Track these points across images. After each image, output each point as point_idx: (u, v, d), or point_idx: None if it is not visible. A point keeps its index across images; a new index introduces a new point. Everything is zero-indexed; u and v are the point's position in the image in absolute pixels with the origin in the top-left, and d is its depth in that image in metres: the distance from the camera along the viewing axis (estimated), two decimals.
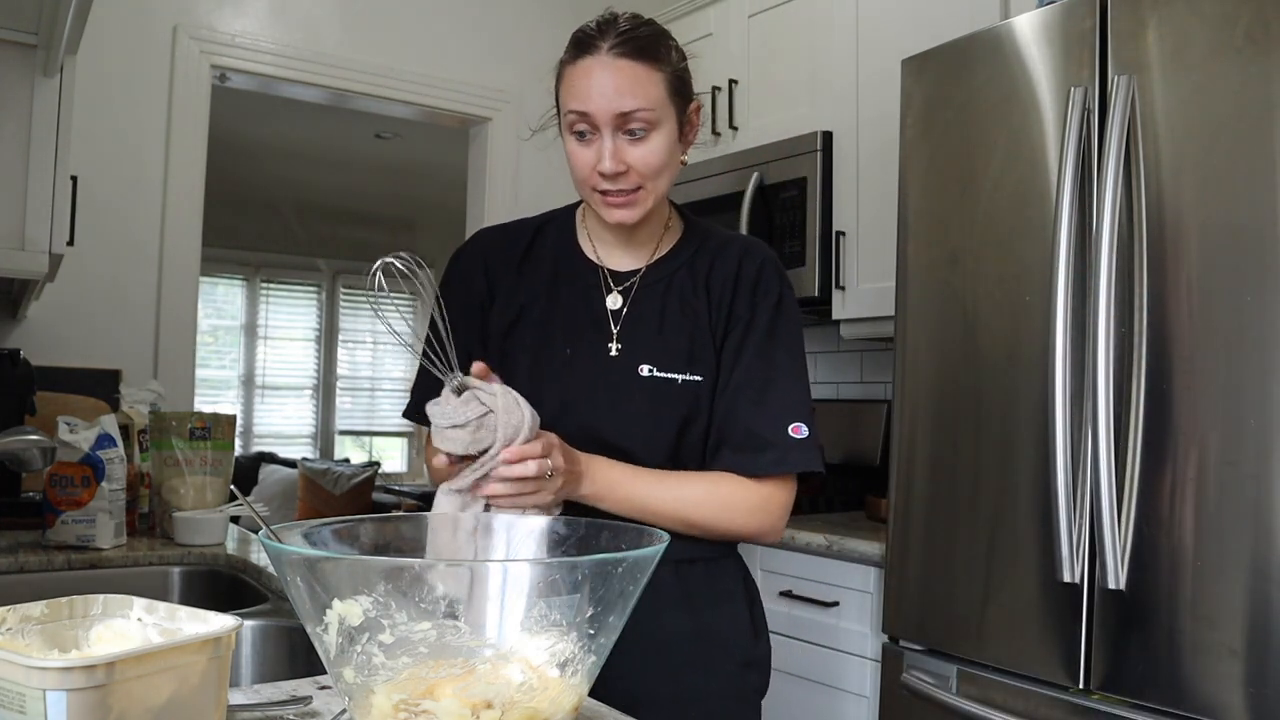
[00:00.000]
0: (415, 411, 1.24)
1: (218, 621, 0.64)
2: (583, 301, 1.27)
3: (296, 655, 1.33)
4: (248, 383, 6.79)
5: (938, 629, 1.81)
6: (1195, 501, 1.42)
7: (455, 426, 1.01)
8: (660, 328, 1.24)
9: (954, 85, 1.85)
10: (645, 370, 1.22)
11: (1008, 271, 1.72)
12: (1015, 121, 1.72)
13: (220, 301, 6.69)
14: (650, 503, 1.16)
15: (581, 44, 1.18)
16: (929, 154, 1.90)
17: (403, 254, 0.99)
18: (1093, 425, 1.51)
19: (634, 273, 1.27)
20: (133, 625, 0.69)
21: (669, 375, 1.22)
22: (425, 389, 1.26)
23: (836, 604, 2.11)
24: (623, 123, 1.14)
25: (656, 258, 1.28)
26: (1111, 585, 1.48)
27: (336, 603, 0.65)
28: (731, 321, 1.24)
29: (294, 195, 6.53)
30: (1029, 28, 1.71)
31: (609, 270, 1.28)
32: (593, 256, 1.29)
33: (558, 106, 1.22)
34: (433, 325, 1.06)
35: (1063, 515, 1.55)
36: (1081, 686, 1.55)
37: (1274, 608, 1.34)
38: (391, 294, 0.97)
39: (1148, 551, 1.47)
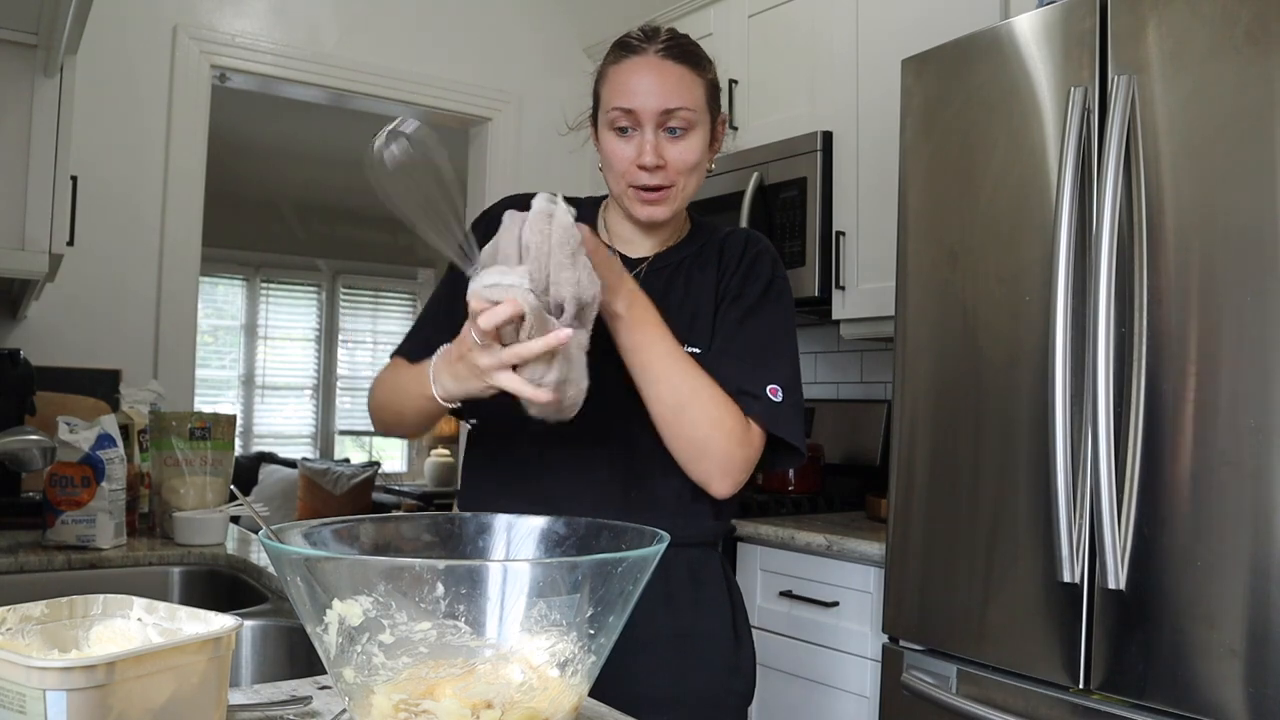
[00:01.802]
0: (417, 351, 1.20)
1: (218, 621, 0.64)
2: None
3: (296, 655, 1.33)
4: (248, 383, 6.78)
5: (938, 629, 1.81)
6: (1195, 501, 1.42)
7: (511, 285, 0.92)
8: (664, 304, 1.24)
9: (954, 85, 1.85)
10: None
11: (1008, 271, 1.72)
12: (1015, 121, 1.72)
13: (220, 301, 6.69)
14: (664, 366, 1.15)
15: (628, 46, 1.24)
16: (929, 154, 1.89)
17: (411, 120, 0.95)
18: (1093, 425, 1.51)
19: (642, 260, 1.31)
20: (133, 625, 0.69)
21: None
22: (429, 327, 1.27)
23: (836, 604, 2.11)
24: (665, 120, 1.20)
25: (667, 246, 1.33)
26: (1111, 585, 1.48)
27: (336, 603, 0.65)
28: (726, 297, 1.28)
29: (294, 195, 6.53)
30: (1029, 28, 1.71)
31: (620, 254, 1.30)
32: (605, 239, 1.33)
33: (595, 106, 1.28)
34: (441, 214, 0.99)
35: (1063, 515, 1.55)
36: (1081, 686, 1.55)
37: (1274, 608, 1.34)
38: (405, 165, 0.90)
39: (1148, 551, 1.47)
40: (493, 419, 1.26)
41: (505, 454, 1.28)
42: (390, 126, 0.97)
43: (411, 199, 0.96)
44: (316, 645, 0.69)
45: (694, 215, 1.39)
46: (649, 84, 1.20)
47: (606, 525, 0.80)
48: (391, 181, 0.95)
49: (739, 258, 1.30)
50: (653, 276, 1.29)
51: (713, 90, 1.27)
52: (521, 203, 1.31)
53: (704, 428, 1.17)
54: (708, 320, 1.27)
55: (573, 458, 1.23)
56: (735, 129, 2.87)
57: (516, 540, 0.84)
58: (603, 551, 0.77)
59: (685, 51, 1.23)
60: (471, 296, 0.95)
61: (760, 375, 1.22)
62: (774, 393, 1.21)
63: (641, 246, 1.32)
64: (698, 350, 1.24)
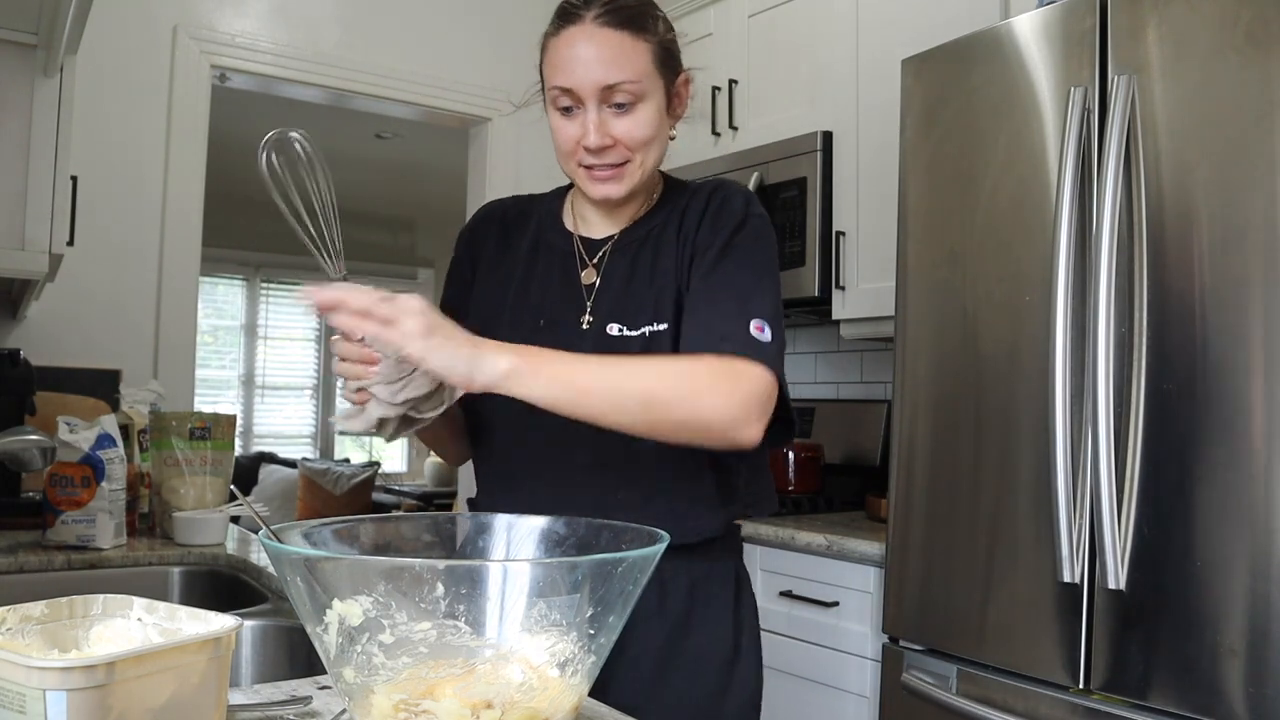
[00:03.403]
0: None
1: (218, 621, 0.64)
2: (559, 271, 1.24)
3: (296, 655, 1.33)
4: (248, 383, 6.79)
5: (938, 629, 1.81)
6: (1195, 502, 1.42)
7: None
8: (629, 285, 1.19)
9: (954, 85, 1.85)
10: (615, 330, 1.17)
11: (1008, 271, 1.72)
12: (1015, 121, 1.72)
13: (220, 301, 6.69)
14: (595, 379, 1.00)
15: (565, 14, 1.14)
16: (929, 154, 1.89)
17: (297, 132, 1.01)
18: (1093, 425, 1.51)
19: (607, 239, 1.23)
20: (133, 625, 0.69)
21: (635, 331, 1.16)
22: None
23: (836, 604, 2.11)
24: (608, 95, 1.11)
25: (633, 221, 1.24)
26: (1111, 585, 1.48)
27: (336, 603, 0.65)
28: (696, 254, 1.18)
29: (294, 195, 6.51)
30: (1029, 28, 1.71)
31: (583, 238, 1.25)
32: (570, 226, 1.27)
33: (542, 82, 1.19)
34: (315, 214, 1.05)
35: (1063, 515, 1.55)
36: (1081, 686, 1.55)
37: (1274, 608, 1.34)
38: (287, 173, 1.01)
39: (1148, 551, 1.47)
40: (490, 421, 1.23)
41: (505, 454, 1.23)
42: (274, 135, 1.04)
43: (293, 202, 1.05)
44: (316, 645, 0.69)
45: (672, 180, 1.29)
46: (586, 58, 1.10)
47: (606, 525, 0.80)
48: (277, 184, 1.04)
49: (703, 210, 1.19)
50: (616, 257, 1.21)
51: (663, 53, 1.15)
52: (499, 209, 1.32)
53: (687, 399, 1.03)
54: (672, 290, 1.17)
55: (566, 458, 1.16)
56: (735, 129, 2.87)
57: (516, 540, 0.84)
58: (603, 551, 0.77)
59: (626, 17, 1.12)
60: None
61: (741, 313, 1.10)
62: (759, 329, 1.09)
63: (607, 225, 1.24)
64: (663, 327, 1.15)
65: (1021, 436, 1.67)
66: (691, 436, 1.05)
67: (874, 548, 2.01)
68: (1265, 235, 1.38)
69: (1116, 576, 1.48)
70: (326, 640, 0.67)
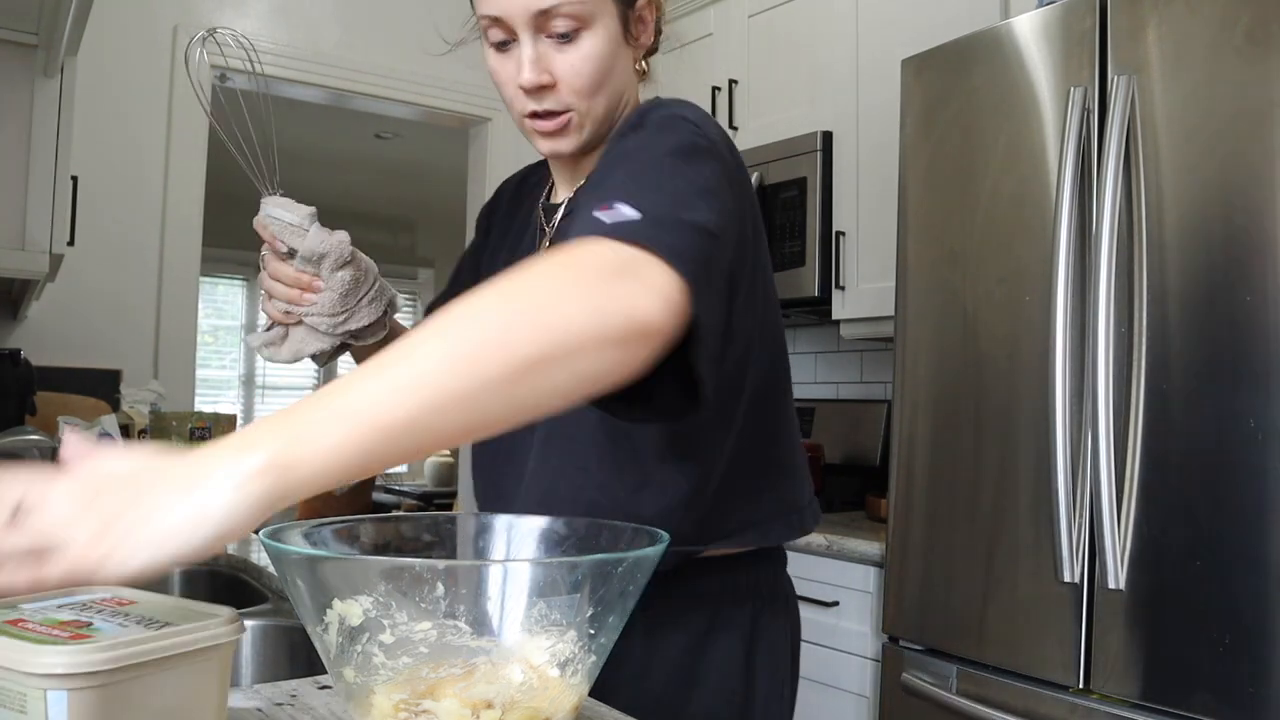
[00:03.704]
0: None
1: (219, 617, 0.64)
2: (525, 247, 1.10)
3: (296, 655, 1.33)
4: (248, 383, 6.79)
5: (937, 629, 1.81)
6: (1195, 501, 1.42)
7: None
8: None
9: (954, 85, 1.85)
10: None
11: (1008, 271, 1.72)
12: (1015, 121, 1.72)
13: (220, 301, 6.69)
14: (419, 372, 0.57)
15: None
16: (929, 154, 1.89)
17: (225, 30, 1.00)
18: (1093, 425, 1.51)
19: (563, 204, 1.06)
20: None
21: None
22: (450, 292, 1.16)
23: (836, 604, 2.11)
24: (543, 23, 0.90)
25: (587, 180, 0.99)
26: (1111, 585, 1.48)
27: (337, 602, 0.65)
28: None
29: (294, 195, 6.51)
30: (1029, 28, 1.71)
31: (545, 204, 1.09)
32: (543, 194, 1.12)
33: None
34: (250, 143, 0.98)
35: (1063, 515, 1.55)
36: (1081, 686, 1.55)
37: (1274, 607, 1.34)
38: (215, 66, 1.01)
39: (1148, 551, 1.47)
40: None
41: (498, 452, 1.07)
42: (202, 33, 1.03)
43: (233, 130, 1.02)
44: (317, 645, 0.69)
45: None
46: None
47: (606, 525, 0.80)
48: (219, 116, 1.00)
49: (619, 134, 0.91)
50: (566, 225, 1.00)
51: None
52: (514, 180, 1.19)
53: (571, 320, 0.61)
54: None
55: (566, 459, 0.97)
56: (735, 129, 2.87)
57: (517, 540, 0.84)
58: (603, 551, 0.77)
59: None
60: (256, 221, 1.02)
61: (600, 198, 0.73)
62: (605, 209, 0.71)
63: (567, 185, 1.05)
64: None
65: (1021, 436, 1.67)
66: (584, 368, 0.62)
67: (874, 548, 2.01)
68: (1265, 235, 1.38)
69: (1116, 576, 1.48)
70: (326, 640, 0.67)
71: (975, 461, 1.76)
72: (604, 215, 0.70)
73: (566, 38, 0.90)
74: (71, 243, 1.98)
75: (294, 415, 0.55)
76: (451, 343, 0.58)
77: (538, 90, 0.91)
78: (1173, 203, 1.49)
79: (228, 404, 6.64)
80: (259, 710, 0.79)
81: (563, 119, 0.93)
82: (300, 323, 0.97)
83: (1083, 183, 1.59)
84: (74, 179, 1.96)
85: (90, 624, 0.59)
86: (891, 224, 2.00)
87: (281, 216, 1.01)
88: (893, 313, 1.98)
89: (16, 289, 2.38)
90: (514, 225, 1.14)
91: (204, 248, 3.01)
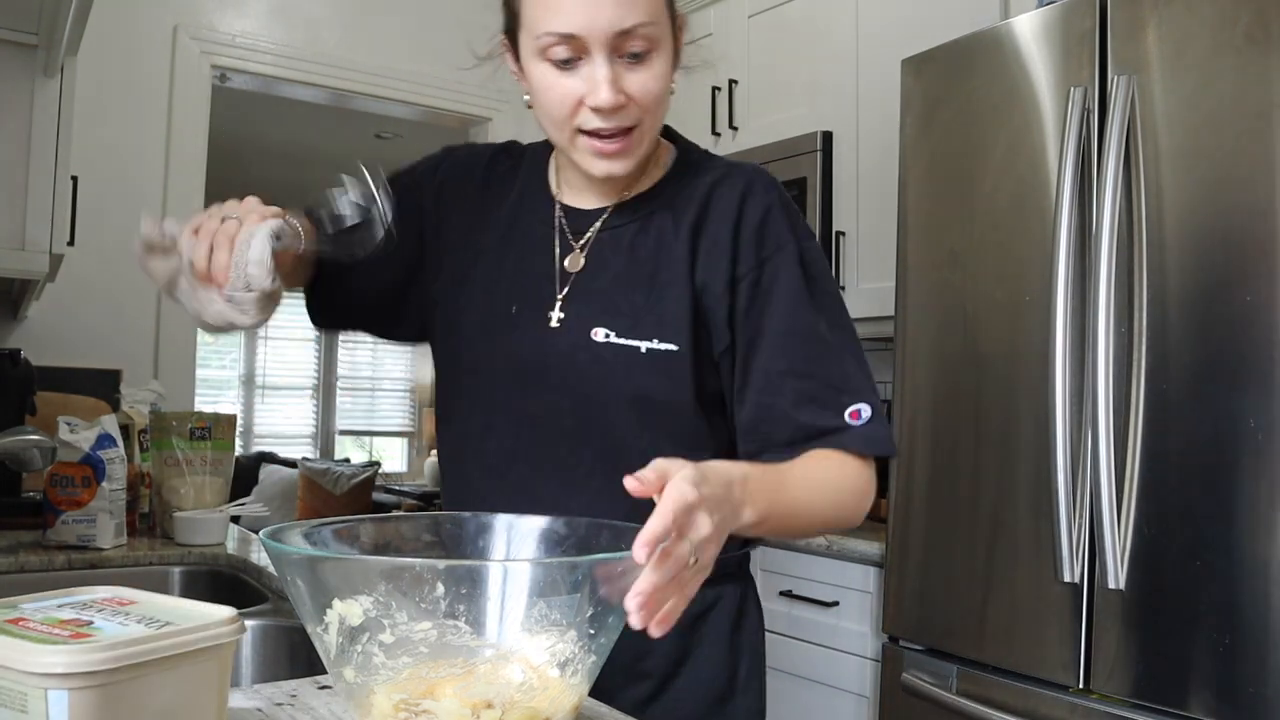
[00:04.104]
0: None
1: (218, 616, 0.64)
2: (536, 248, 1.04)
3: (296, 655, 1.33)
4: (248, 383, 6.79)
5: (937, 629, 1.81)
6: (1195, 501, 1.42)
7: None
8: (622, 281, 0.99)
9: (954, 85, 1.85)
10: (601, 336, 0.98)
11: (1008, 271, 1.72)
12: (1015, 121, 1.72)
13: None
14: (799, 508, 0.90)
15: None
16: (929, 154, 1.90)
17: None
18: (1093, 425, 1.51)
19: (597, 213, 1.03)
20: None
21: (629, 342, 0.96)
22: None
23: (836, 604, 2.11)
24: (621, 43, 0.90)
25: (632, 194, 1.03)
26: (1111, 585, 1.48)
27: (337, 602, 0.65)
28: (736, 286, 0.98)
29: (294, 195, 6.51)
30: (1029, 28, 1.71)
31: (567, 207, 1.04)
32: (554, 188, 1.07)
33: (513, 30, 0.97)
34: None
35: (1063, 515, 1.55)
36: (1081, 686, 1.55)
37: (1274, 608, 1.34)
38: None
39: (1148, 551, 1.47)
40: (466, 411, 1.07)
41: (479, 452, 1.05)
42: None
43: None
44: (317, 645, 0.69)
45: (681, 140, 1.09)
46: None
47: (606, 525, 0.80)
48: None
49: (734, 223, 0.99)
50: (606, 239, 1.01)
51: None
52: (488, 153, 1.12)
53: (839, 520, 0.98)
54: (686, 306, 0.97)
55: (552, 458, 1.00)
56: (735, 129, 2.87)
57: (516, 540, 0.84)
58: (603, 551, 0.77)
59: None
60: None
61: (836, 402, 0.96)
62: (855, 416, 0.95)
63: (597, 194, 1.03)
64: (672, 348, 0.96)
65: (1021, 436, 1.67)
66: (817, 531, 1.02)
67: (874, 548, 2.01)
68: (1265, 235, 1.38)
69: (1116, 576, 1.48)
70: (327, 640, 0.67)
71: (975, 461, 1.76)
72: (855, 423, 0.95)
73: (638, 58, 0.91)
74: (71, 243, 1.98)
75: (763, 499, 0.81)
76: (801, 495, 0.91)
77: (615, 110, 0.91)
78: (1173, 203, 1.49)
79: (228, 404, 6.64)
80: (259, 710, 0.79)
81: (629, 138, 0.93)
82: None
83: (1083, 183, 1.59)
84: (74, 179, 1.96)
85: (91, 623, 0.59)
86: (891, 224, 2.00)
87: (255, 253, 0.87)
88: (893, 313, 1.98)
89: (16, 289, 2.38)
90: (497, 215, 1.08)
91: None
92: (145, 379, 2.52)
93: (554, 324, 0.99)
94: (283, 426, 6.95)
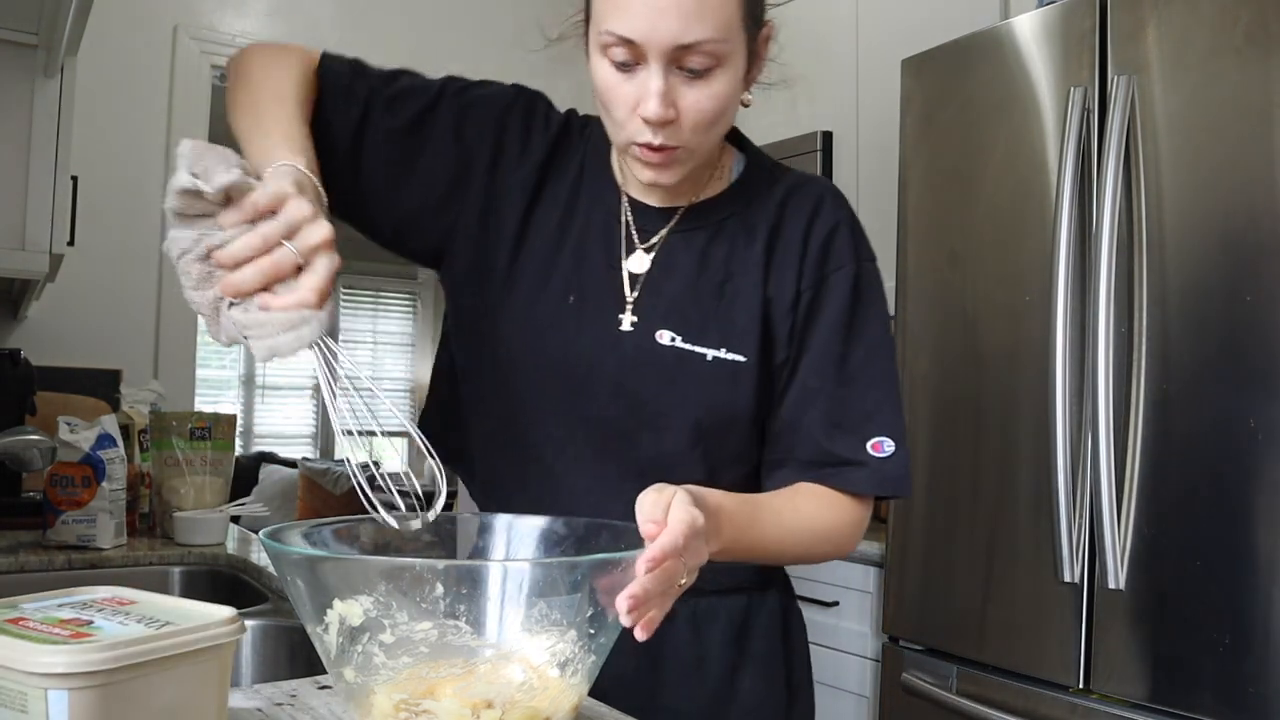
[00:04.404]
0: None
1: (218, 616, 0.64)
2: (599, 237, 0.99)
3: (296, 655, 1.33)
4: (248, 383, 6.79)
5: (937, 629, 1.81)
6: (1195, 501, 1.42)
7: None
8: (692, 286, 0.97)
9: (954, 85, 1.85)
10: (667, 339, 0.95)
11: (1008, 271, 1.72)
12: (1015, 121, 1.72)
13: None
14: (762, 544, 0.91)
15: None
16: (929, 154, 1.89)
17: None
18: (1093, 425, 1.51)
19: (668, 213, 0.99)
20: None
21: (695, 348, 0.95)
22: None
23: (836, 604, 2.11)
24: (680, 56, 0.84)
25: (702, 198, 1.00)
26: (1111, 585, 1.48)
27: (337, 602, 0.65)
28: (799, 301, 0.97)
29: None
30: (1029, 28, 1.71)
31: (635, 202, 1.00)
32: (619, 178, 1.01)
33: (587, 16, 0.92)
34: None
35: (1063, 515, 1.55)
36: (1081, 686, 1.55)
37: (1274, 608, 1.34)
38: None
39: (1148, 551, 1.47)
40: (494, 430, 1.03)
41: (518, 442, 1.02)
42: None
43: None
44: (316, 645, 0.69)
45: (749, 144, 1.07)
46: (660, 2, 0.82)
47: (606, 525, 0.80)
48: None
49: (803, 237, 0.98)
50: (676, 242, 0.98)
51: (752, 2, 0.89)
52: (564, 119, 1.05)
53: (818, 555, 0.99)
54: (754, 317, 0.96)
55: (586, 459, 0.98)
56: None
57: (516, 540, 0.84)
58: (603, 551, 0.77)
59: None
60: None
61: (861, 430, 0.96)
62: (878, 448, 0.95)
63: (667, 193, 0.99)
64: (740, 359, 0.95)
65: (1021, 437, 1.67)
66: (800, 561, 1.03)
67: (874, 548, 2.01)
68: (1265, 235, 1.38)
69: (1116, 576, 1.48)
70: (327, 640, 0.67)
71: (975, 461, 1.76)
72: (876, 455, 0.95)
73: (697, 74, 0.86)
74: (71, 243, 1.97)
75: (730, 533, 0.82)
76: (770, 533, 0.91)
77: (662, 124, 0.87)
78: (1173, 203, 1.49)
79: (228, 404, 6.63)
80: (259, 710, 0.79)
81: (673, 153, 0.90)
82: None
83: (1083, 183, 1.59)
84: (74, 179, 1.96)
85: (91, 623, 0.59)
86: (891, 224, 2.00)
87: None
88: (893, 313, 1.97)
89: (16, 289, 2.38)
90: (556, 189, 1.01)
91: None
92: (145, 379, 2.52)
93: (626, 327, 0.96)
94: (283, 426, 6.95)
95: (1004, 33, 1.76)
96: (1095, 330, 1.51)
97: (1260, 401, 1.37)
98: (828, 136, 2.57)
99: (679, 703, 0.98)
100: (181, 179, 0.68)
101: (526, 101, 1.04)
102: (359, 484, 0.74)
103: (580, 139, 1.04)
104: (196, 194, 0.68)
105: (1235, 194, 1.42)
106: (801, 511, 0.96)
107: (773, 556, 0.95)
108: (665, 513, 0.71)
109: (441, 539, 0.84)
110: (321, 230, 0.71)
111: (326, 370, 0.74)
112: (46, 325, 2.71)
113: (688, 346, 0.95)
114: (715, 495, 0.83)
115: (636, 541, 0.74)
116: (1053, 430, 1.56)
